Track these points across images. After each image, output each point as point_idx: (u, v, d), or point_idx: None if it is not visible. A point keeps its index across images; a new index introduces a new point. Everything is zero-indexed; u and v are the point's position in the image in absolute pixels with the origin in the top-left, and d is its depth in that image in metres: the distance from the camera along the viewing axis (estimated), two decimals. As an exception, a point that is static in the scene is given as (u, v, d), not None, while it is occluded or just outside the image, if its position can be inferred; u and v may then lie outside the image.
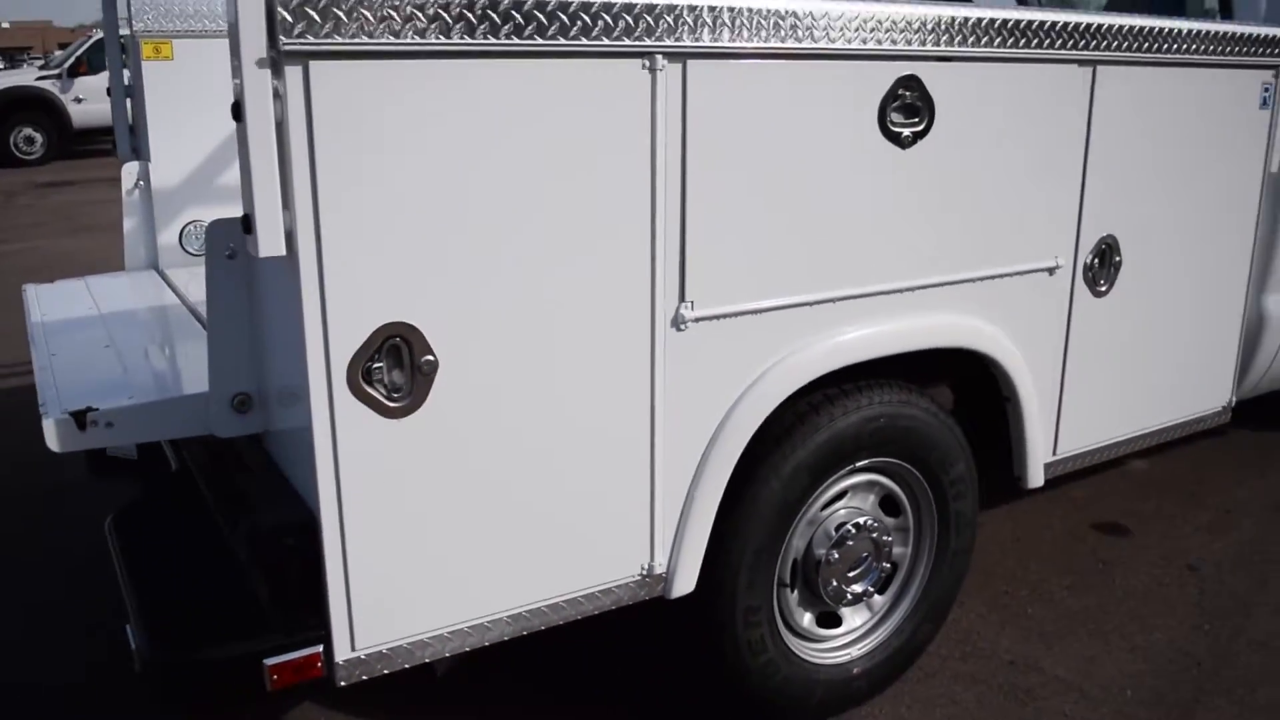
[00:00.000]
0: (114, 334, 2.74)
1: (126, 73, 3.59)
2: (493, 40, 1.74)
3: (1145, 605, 3.28)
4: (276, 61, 1.59)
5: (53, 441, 1.98)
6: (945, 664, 2.95)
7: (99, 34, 20.82)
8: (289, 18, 1.57)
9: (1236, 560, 3.56)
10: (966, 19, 2.32)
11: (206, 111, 3.36)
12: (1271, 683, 2.88)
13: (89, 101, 18.74)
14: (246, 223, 1.67)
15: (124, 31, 3.51)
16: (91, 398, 2.06)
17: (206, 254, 1.99)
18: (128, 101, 3.57)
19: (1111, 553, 3.62)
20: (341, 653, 1.86)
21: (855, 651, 2.70)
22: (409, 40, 1.67)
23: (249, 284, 2.01)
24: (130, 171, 3.36)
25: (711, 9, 1.96)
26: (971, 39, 2.34)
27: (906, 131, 2.32)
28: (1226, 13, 3.36)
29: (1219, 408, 3.38)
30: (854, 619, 2.71)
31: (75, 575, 3.37)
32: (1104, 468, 4.21)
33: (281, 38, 1.57)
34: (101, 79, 18.83)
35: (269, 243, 1.65)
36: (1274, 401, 4.08)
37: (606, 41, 1.86)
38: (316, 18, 1.59)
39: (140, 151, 3.51)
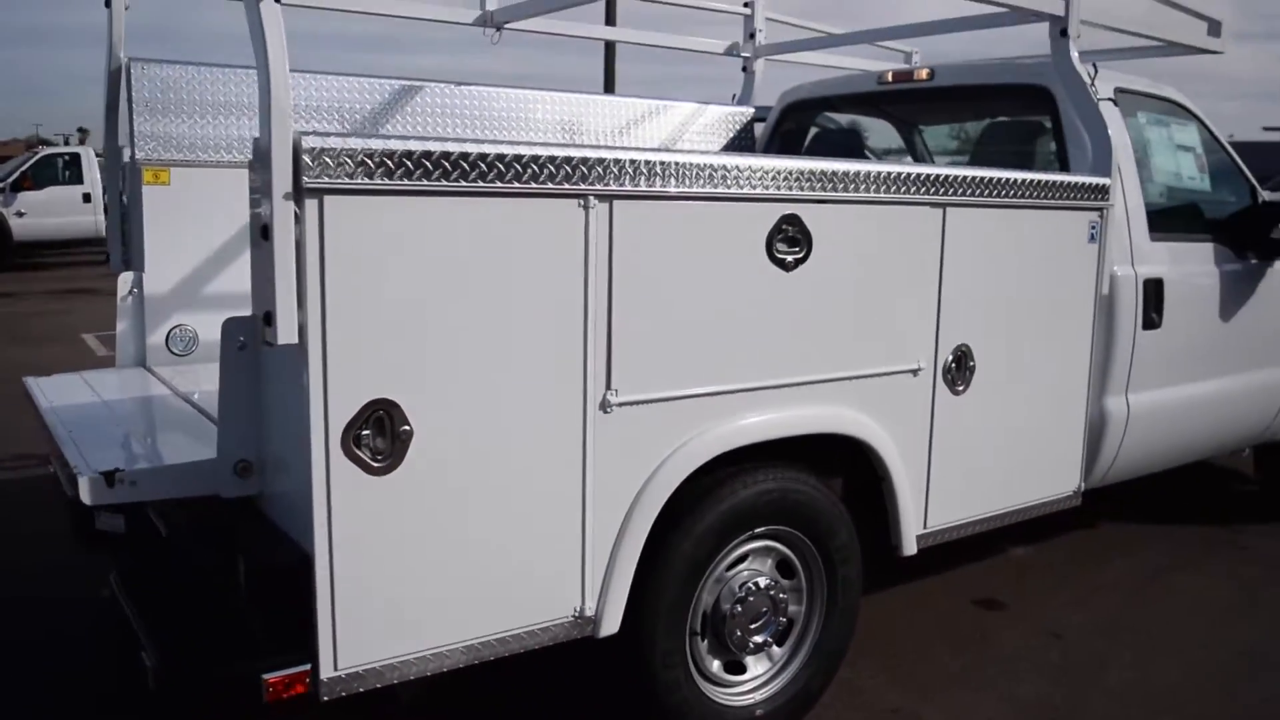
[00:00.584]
0: (117, 415, 3.15)
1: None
2: (462, 183, 2.27)
3: (1014, 664, 3.77)
4: (299, 195, 2.10)
5: (86, 496, 2.38)
6: (837, 712, 3.38)
7: (44, 150, 21.23)
8: (310, 162, 2.09)
9: (1096, 628, 4.08)
10: (838, 170, 2.93)
11: (195, 229, 3.83)
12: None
13: (30, 216, 19.07)
14: (268, 317, 2.15)
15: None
16: (115, 462, 2.47)
17: (221, 344, 2.45)
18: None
19: (988, 623, 4.12)
20: (326, 671, 2.27)
21: (758, 696, 3.13)
22: (396, 182, 2.19)
23: (254, 371, 2.47)
24: (125, 280, 3.80)
25: (632, 162, 2.52)
26: (843, 186, 2.94)
27: (789, 258, 2.89)
28: (1064, 165, 4.05)
29: (1069, 492, 3.94)
30: (756, 667, 3.15)
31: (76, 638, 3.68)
32: (986, 554, 4.75)
33: (304, 178, 2.09)
34: (45, 193, 19.21)
35: (286, 333, 2.13)
36: (1138, 492, 4.68)
37: (550, 185, 2.41)
38: (330, 163, 2.11)
39: (131, 262, 3.96)
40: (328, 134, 2.12)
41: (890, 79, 4.81)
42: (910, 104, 5.10)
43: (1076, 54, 3.87)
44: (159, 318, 3.83)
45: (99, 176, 19.96)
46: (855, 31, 5.27)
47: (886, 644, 3.87)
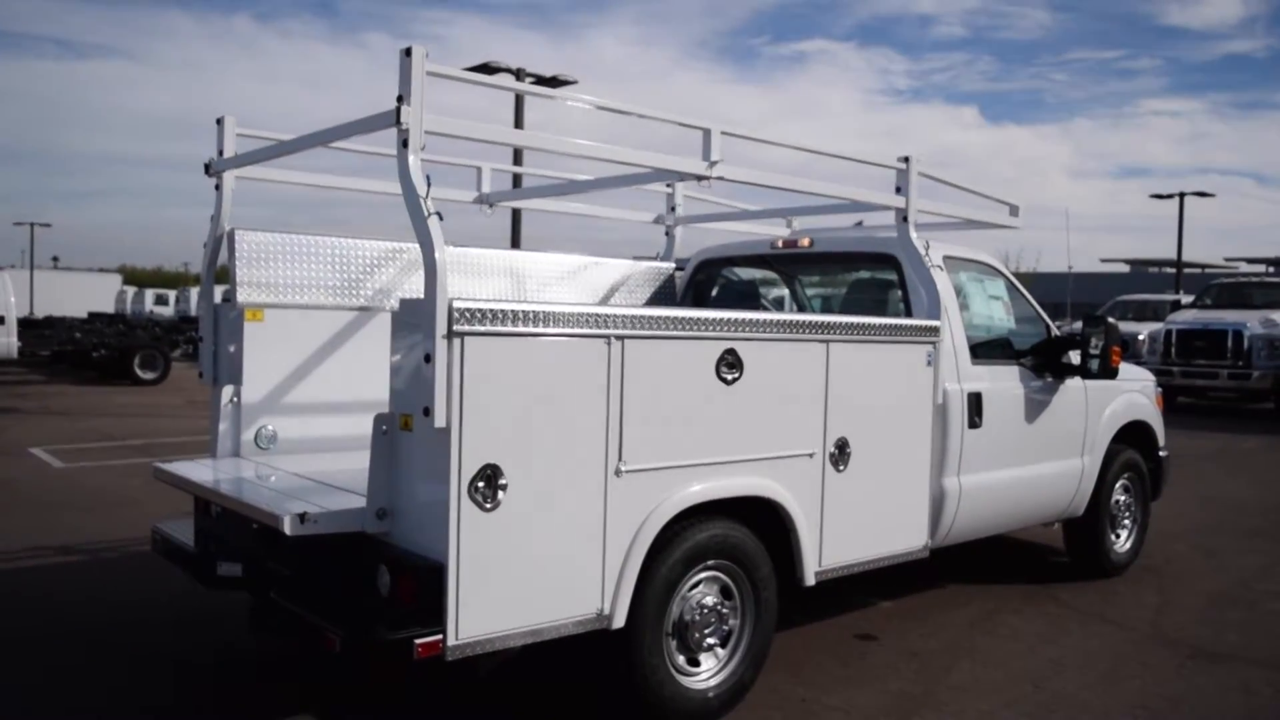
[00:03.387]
0: (269, 484, 4.36)
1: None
2: (526, 328, 3.68)
3: (885, 672, 5.19)
4: (449, 337, 3.48)
5: (288, 529, 3.63)
6: (762, 698, 4.73)
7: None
8: (459, 316, 3.48)
9: (944, 649, 5.55)
10: (761, 319, 4.45)
11: (280, 354, 5.11)
12: (971, 700, 4.81)
13: None
14: (426, 410, 3.48)
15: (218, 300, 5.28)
16: (294, 508, 3.72)
17: (373, 431, 3.76)
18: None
19: (865, 648, 5.56)
20: (451, 640, 3.54)
21: (710, 683, 4.47)
22: (504, 328, 3.60)
23: (392, 447, 3.78)
24: (227, 391, 5.04)
25: (634, 318, 3.99)
26: (764, 330, 4.46)
27: (729, 377, 4.37)
28: (909, 310, 5.67)
29: (919, 547, 5.44)
30: (708, 662, 4.49)
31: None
32: (860, 606, 6.21)
33: (454, 326, 3.47)
34: None
35: (440, 420, 3.47)
36: (974, 560, 6.21)
37: (588, 330, 3.84)
38: (469, 318, 3.50)
39: (219, 378, 5.19)
40: (465, 299, 3.52)
41: (781, 245, 6.47)
42: (795, 263, 6.76)
43: (914, 233, 5.56)
44: (250, 420, 5.06)
45: (13, 300, 20.51)
46: (752, 210, 6.95)
47: (792, 660, 5.25)
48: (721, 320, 4.32)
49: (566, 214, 6.60)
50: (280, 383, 5.14)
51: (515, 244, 18.67)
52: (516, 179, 6.86)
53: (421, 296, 3.53)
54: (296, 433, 5.19)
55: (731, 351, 4.37)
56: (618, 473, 3.99)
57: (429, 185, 3.60)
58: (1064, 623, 6.15)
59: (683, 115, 4.58)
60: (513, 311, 3.63)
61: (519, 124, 19.24)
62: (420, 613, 3.57)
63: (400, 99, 3.61)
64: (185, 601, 5.83)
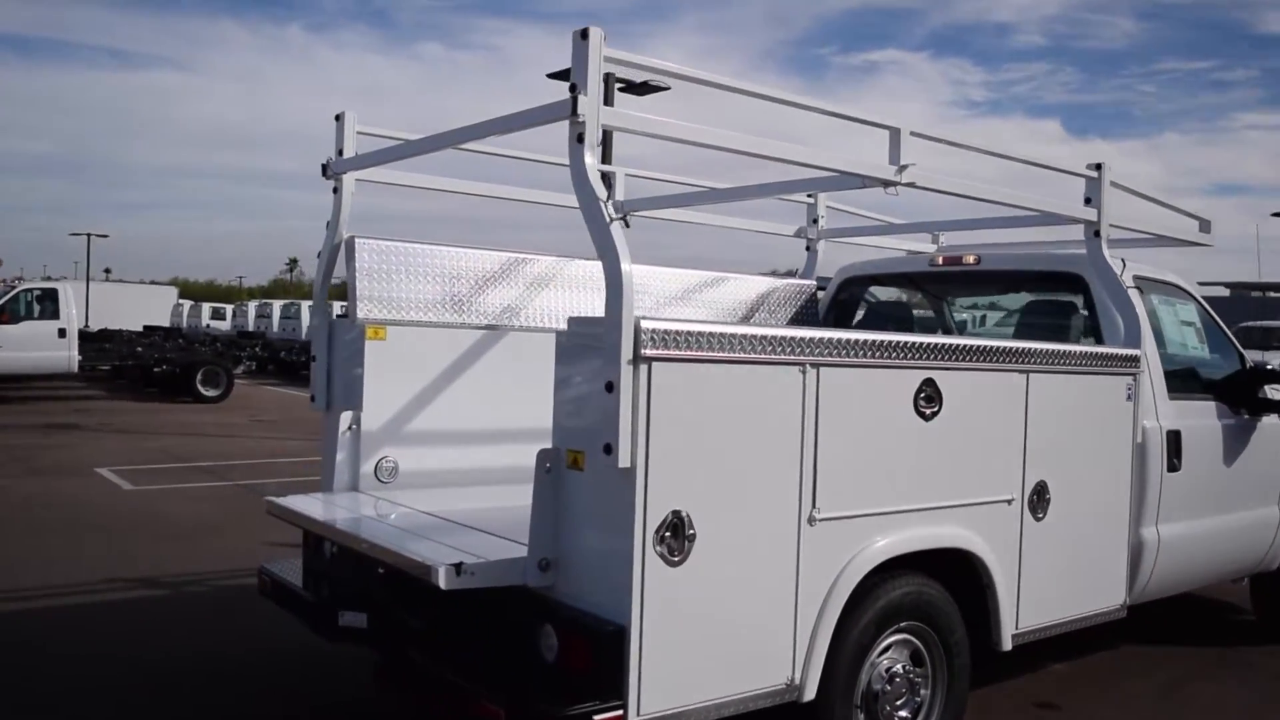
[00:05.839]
0: (407, 526, 3.87)
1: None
2: (717, 353, 3.14)
3: (1082, 751, 4.53)
4: (635, 362, 2.96)
5: (443, 583, 3.13)
6: (953, 783, 4.11)
7: (22, 285, 21.55)
8: (647, 340, 2.96)
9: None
10: (961, 345, 3.87)
11: (404, 377, 4.65)
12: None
13: (5, 349, 19.32)
14: (607, 448, 2.97)
15: (337, 313, 4.84)
16: (447, 557, 3.22)
17: (535, 469, 3.25)
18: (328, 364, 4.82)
19: (1049, 718, 4.89)
20: (633, 715, 3.00)
21: (898, 762, 3.87)
22: (695, 353, 3.07)
23: (557, 490, 3.26)
24: (345, 418, 4.56)
25: (830, 341, 3.43)
26: (962, 357, 3.88)
27: (928, 411, 3.79)
28: (1097, 338, 5.04)
29: (1117, 605, 4.78)
30: (896, 740, 3.90)
31: None
32: (1030, 668, 5.53)
33: (643, 351, 2.95)
34: (20, 327, 19.36)
35: (624, 459, 2.95)
36: (1150, 620, 5.52)
37: (783, 356, 3.30)
38: (658, 340, 2.98)
39: (332, 403, 4.74)
40: (653, 318, 3.00)
41: (942, 262, 5.86)
42: (955, 283, 6.15)
43: (1107, 250, 4.93)
44: (370, 450, 4.59)
45: (75, 313, 20.48)
46: (911, 223, 6.35)
47: (975, 733, 4.61)
48: (922, 346, 3.75)
49: (704, 227, 6.05)
50: (402, 409, 4.67)
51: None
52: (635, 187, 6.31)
53: (592, 315, 3.02)
54: (416, 464, 4.70)
55: (930, 382, 3.79)
56: (811, 521, 3.43)
57: (611, 187, 3.09)
58: (1268, 692, 5.41)
59: (866, 113, 4.03)
60: (706, 334, 3.10)
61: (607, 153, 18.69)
62: (594, 683, 3.04)
63: (574, 88, 3.12)
64: (291, 645, 5.38)
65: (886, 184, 4.01)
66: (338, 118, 4.64)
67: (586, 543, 3.20)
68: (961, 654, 4.03)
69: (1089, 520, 4.57)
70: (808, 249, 6.52)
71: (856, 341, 3.54)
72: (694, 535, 3.10)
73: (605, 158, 5.56)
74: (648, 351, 2.97)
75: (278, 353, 31.08)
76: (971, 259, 5.74)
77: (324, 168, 4.66)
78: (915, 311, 6.75)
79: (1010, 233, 5.99)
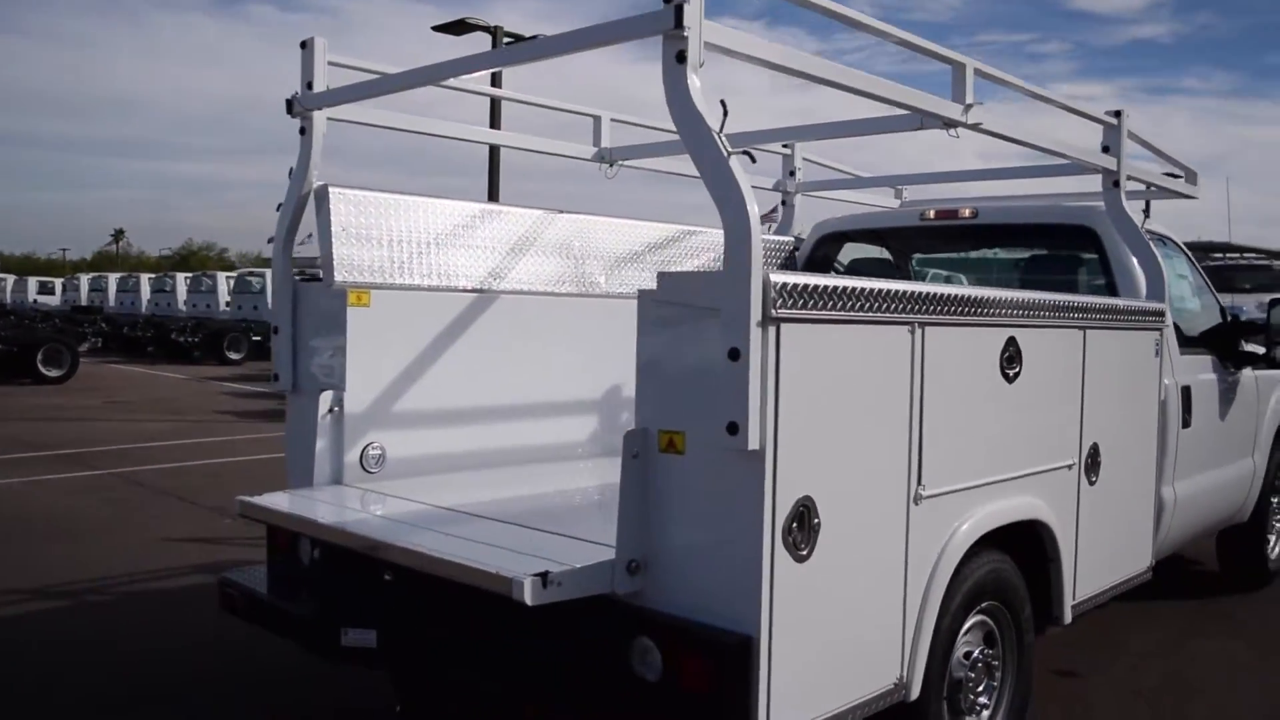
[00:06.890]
0: (445, 528, 3.29)
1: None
2: (840, 312, 2.70)
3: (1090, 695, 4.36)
4: (764, 323, 2.50)
5: (528, 598, 2.59)
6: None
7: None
8: (777, 298, 2.50)
9: (1161, 685, 4.75)
10: (1038, 300, 3.56)
11: (393, 351, 4.03)
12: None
13: None
14: (733, 427, 2.50)
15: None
16: (534, 569, 2.68)
17: (623, 455, 2.75)
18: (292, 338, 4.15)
19: (1074, 686, 4.72)
20: (762, 733, 2.57)
21: (976, 750, 3.58)
22: (824, 313, 2.63)
23: (646, 478, 2.78)
24: (326, 399, 3.92)
25: (935, 298, 3.05)
26: (1042, 314, 3.57)
27: (1011, 372, 3.46)
28: (1112, 293, 4.84)
29: (1144, 569, 4.63)
30: (972, 726, 3.60)
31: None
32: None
33: (772, 310, 2.50)
34: None
35: (753, 440, 2.49)
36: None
37: (893, 314, 2.89)
38: (788, 300, 2.53)
39: (299, 384, 4.09)
40: (785, 271, 2.55)
41: (934, 216, 5.57)
42: (948, 239, 5.88)
43: (1126, 201, 4.72)
44: (355, 436, 3.96)
45: None
46: (897, 175, 6.04)
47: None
48: (1009, 301, 3.42)
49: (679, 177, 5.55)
50: (389, 387, 4.06)
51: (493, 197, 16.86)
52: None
53: (682, 271, 2.59)
54: (405, 450, 4.10)
55: (1013, 341, 3.47)
56: (917, 499, 3.06)
57: (725, 113, 2.61)
58: (1262, 643, 5.41)
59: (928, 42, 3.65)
60: (837, 289, 2.66)
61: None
62: (714, 706, 2.59)
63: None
64: (276, 661, 4.72)
65: (950, 124, 3.65)
66: (304, 45, 3.95)
67: (690, 540, 2.73)
68: (1029, 631, 3.76)
69: (1129, 482, 4.38)
70: (783, 203, 6.14)
71: (956, 297, 3.16)
72: (819, 525, 2.68)
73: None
74: (778, 311, 2.52)
75: (120, 328, 28.97)
76: (968, 212, 5.46)
77: (289, 104, 3.96)
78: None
79: (988, 186, 5.77)
